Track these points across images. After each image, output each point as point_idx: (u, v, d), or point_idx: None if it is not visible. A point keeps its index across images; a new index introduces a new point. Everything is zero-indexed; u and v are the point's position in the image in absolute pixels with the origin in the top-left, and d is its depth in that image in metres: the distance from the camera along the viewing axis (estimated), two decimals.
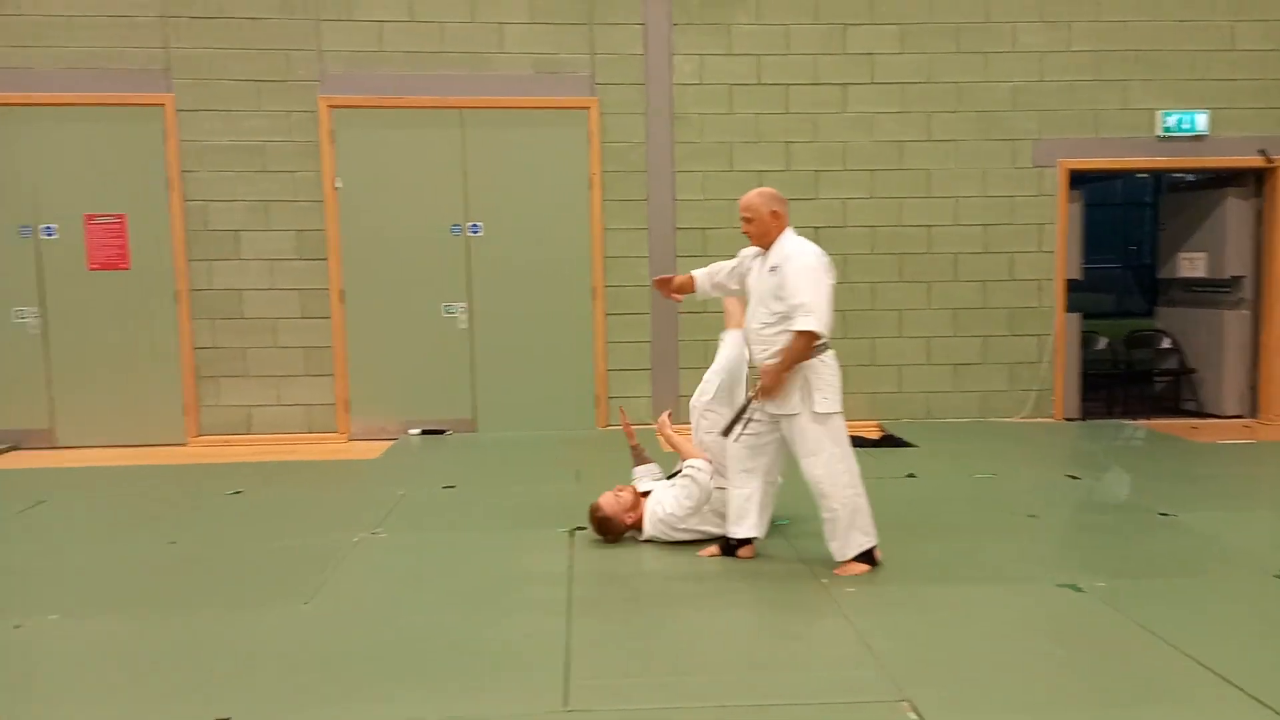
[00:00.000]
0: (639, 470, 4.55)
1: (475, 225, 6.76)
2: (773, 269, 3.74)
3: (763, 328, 3.75)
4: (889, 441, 6.43)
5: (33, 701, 2.77)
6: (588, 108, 6.72)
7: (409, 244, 6.71)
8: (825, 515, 3.74)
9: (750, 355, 3.92)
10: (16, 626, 3.27)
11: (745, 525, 3.87)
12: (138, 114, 6.44)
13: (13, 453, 6.44)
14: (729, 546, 3.94)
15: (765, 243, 3.82)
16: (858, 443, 6.45)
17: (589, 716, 2.62)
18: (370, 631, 3.24)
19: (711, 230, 6.88)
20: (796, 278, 3.64)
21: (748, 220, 3.83)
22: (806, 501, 4.13)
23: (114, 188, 6.48)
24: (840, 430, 3.74)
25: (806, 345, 3.61)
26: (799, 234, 3.88)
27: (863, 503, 3.73)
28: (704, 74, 6.76)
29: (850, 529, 3.71)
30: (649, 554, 4.05)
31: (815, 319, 3.58)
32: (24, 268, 6.47)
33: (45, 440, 6.57)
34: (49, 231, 6.48)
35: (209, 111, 6.49)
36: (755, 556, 3.94)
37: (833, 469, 3.68)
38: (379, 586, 3.71)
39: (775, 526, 4.19)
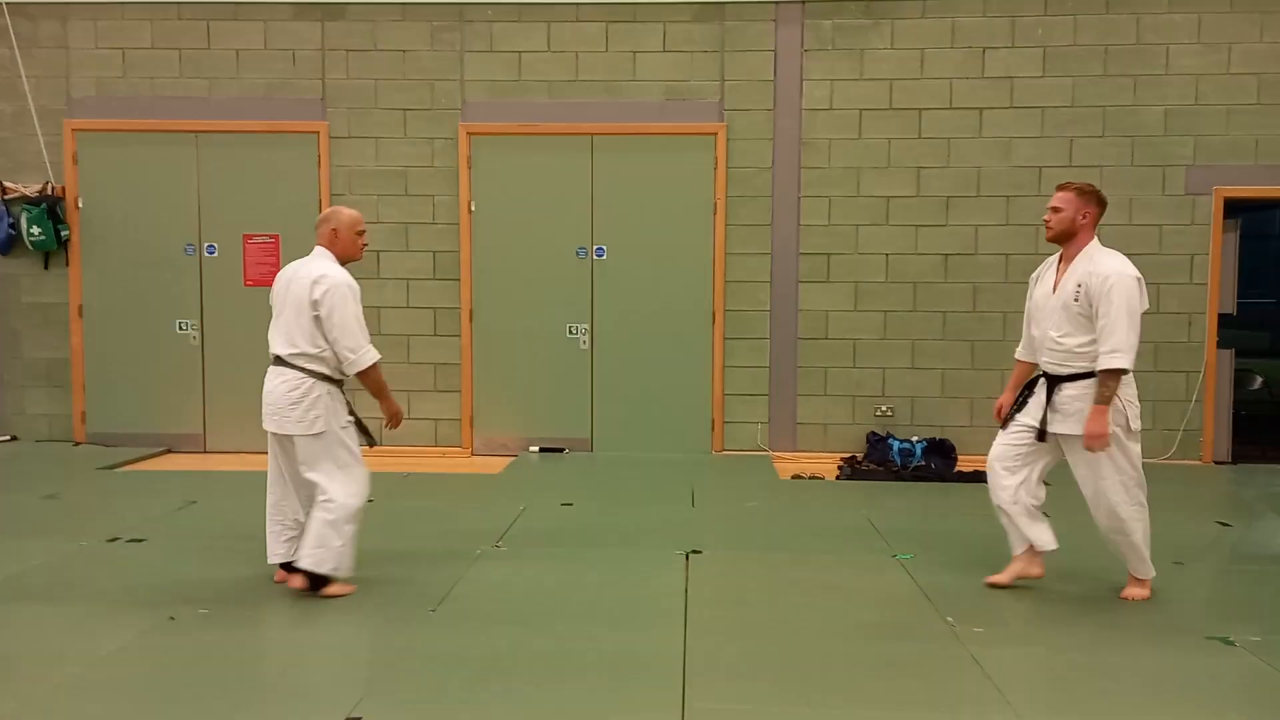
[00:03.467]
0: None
1: (600, 249, 6.90)
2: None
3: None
4: None
5: (186, 689, 2.97)
6: (715, 133, 6.78)
7: (536, 266, 6.91)
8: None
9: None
10: (171, 618, 3.51)
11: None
12: (295, 140, 6.90)
13: (168, 455, 6.95)
14: None
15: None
16: (979, 477, 6.21)
17: None
18: (489, 641, 3.33)
19: (836, 255, 6.80)
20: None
21: (1055, 210, 3.70)
22: (932, 535, 4.00)
23: (270, 209, 6.94)
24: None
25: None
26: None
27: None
28: (834, 99, 6.72)
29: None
30: (765, 577, 4.01)
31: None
32: (188, 283, 7.00)
33: (197, 445, 7.05)
34: (211, 250, 7.00)
35: (359, 139, 6.89)
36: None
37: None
38: (499, 598, 3.80)
39: (897, 559, 4.08)
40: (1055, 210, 3.69)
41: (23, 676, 2.96)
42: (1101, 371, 3.51)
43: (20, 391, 7.09)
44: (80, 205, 6.98)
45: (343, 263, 3.90)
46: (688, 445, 6.92)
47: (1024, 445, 3.79)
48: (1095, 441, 3.53)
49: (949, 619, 3.54)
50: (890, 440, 6.56)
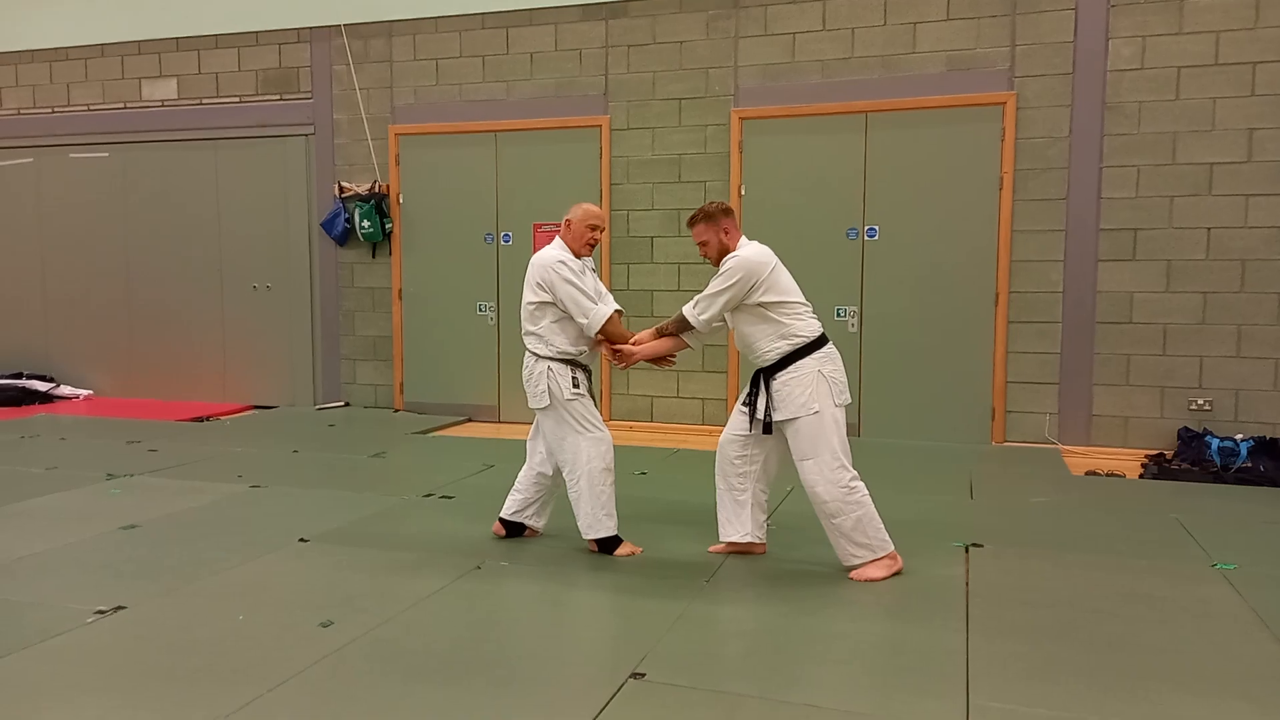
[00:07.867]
0: None
1: (872, 229, 6.72)
2: None
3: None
4: None
5: (490, 631, 3.31)
6: (1003, 103, 6.34)
7: (805, 248, 6.82)
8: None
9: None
10: (478, 567, 3.91)
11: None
12: (580, 134, 7.36)
13: (469, 423, 7.72)
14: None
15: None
16: None
17: None
18: (762, 615, 3.39)
19: (1144, 231, 6.14)
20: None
21: (703, 245, 4.04)
22: (1262, 546, 3.51)
23: (557, 200, 7.38)
24: None
25: None
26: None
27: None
28: (1146, 58, 6.04)
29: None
30: (1057, 578, 3.74)
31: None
32: (486, 269, 7.72)
33: (492, 415, 7.78)
34: (506, 238, 7.66)
35: (637, 129, 7.21)
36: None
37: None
38: (769, 575, 3.85)
39: (1217, 569, 3.62)
40: (703, 244, 3.98)
41: (364, 609, 3.44)
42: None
43: (353, 364, 8.21)
44: (401, 201, 7.91)
45: (574, 253, 4.09)
46: (964, 434, 6.58)
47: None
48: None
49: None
50: (1208, 437, 5.82)
